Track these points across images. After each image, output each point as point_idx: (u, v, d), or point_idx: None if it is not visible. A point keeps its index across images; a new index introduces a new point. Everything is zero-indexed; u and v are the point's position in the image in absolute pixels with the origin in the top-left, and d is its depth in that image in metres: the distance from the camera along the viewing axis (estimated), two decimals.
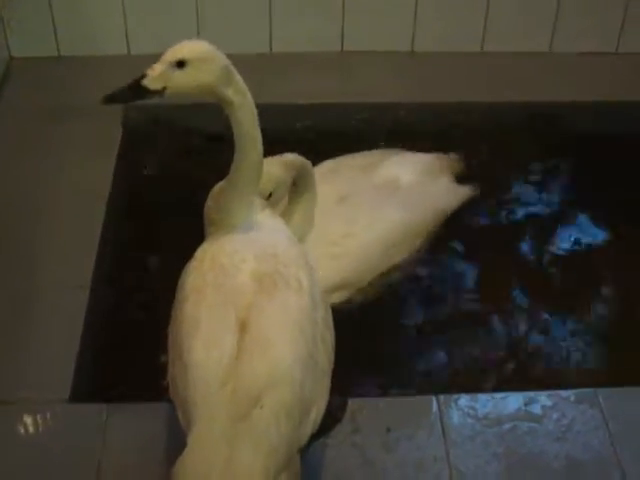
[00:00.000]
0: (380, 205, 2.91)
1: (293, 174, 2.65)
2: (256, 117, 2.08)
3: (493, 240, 3.13)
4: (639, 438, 2.40)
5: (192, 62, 1.98)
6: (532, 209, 3.27)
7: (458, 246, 3.09)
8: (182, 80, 2.00)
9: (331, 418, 2.40)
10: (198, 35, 3.68)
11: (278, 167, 2.62)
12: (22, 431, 2.42)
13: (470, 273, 3.02)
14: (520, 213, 3.25)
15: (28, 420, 2.44)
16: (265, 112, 3.28)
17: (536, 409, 2.46)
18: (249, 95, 2.07)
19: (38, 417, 2.45)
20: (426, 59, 3.75)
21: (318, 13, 3.69)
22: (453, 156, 3.23)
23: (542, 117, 3.58)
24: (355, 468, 2.33)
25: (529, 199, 3.31)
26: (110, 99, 2.03)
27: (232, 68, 2.04)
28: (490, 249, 3.09)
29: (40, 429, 2.43)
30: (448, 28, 3.73)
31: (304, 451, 2.04)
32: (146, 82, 1.99)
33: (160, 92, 2.01)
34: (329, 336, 2.12)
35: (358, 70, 3.71)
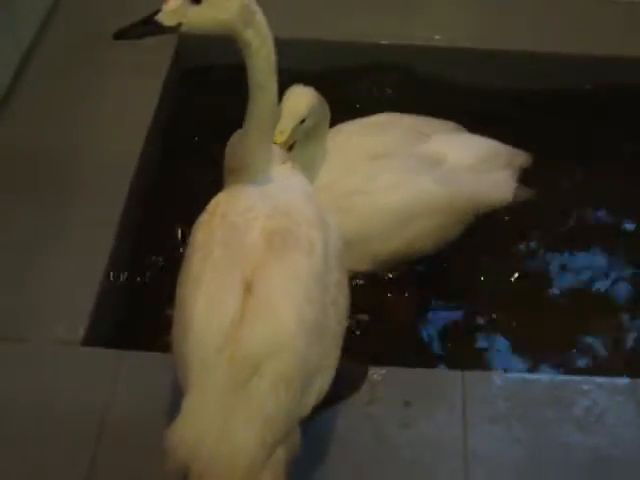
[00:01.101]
0: (413, 172, 2.65)
1: (324, 111, 2.54)
2: (274, 64, 1.95)
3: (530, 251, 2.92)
4: None
5: None
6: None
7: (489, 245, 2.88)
8: (198, 16, 1.88)
9: (349, 386, 2.31)
10: None
11: (313, 96, 2.51)
12: (32, 369, 2.37)
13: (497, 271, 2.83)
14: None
15: (39, 359, 2.40)
16: (321, 49, 3.29)
17: (566, 395, 2.31)
18: (270, 40, 1.93)
19: (49, 357, 2.41)
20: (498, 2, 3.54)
21: None
22: (521, 152, 2.87)
23: None
24: (366, 442, 2.23)
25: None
26: (121, 34, 1.90)
27: (254, 7, 1.90)
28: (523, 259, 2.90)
29: (50, 369, 2.38)
30: None
31: (314, 419, 1.94)
32: (160, 17, 1.87)
33: (175, 28, 1.89)
34: (342, 300, 2.01)
35: (423, 8, 3.52)
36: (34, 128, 3.02)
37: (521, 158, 2.85)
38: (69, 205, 2.77)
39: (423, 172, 2.65)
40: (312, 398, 1.88)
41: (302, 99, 2.49)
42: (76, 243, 2.67)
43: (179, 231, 2.48)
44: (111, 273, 2.63)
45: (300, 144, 2.58)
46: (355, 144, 2.68)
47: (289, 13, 3.41)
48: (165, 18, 1.87)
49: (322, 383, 1.90)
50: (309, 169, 2.54)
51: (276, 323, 1.83)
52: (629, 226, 3.03)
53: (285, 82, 3.02)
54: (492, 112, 3.20)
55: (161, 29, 1.89)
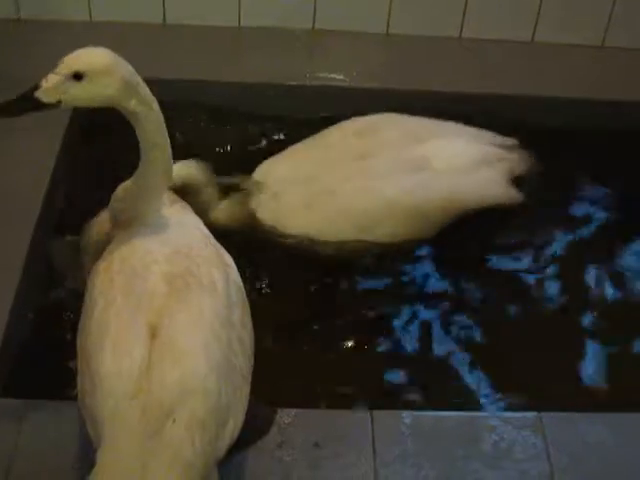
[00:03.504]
0: (391, 175, 2.73)
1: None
2: (163, 126, 1.99)
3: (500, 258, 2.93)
4: (582, 473, 2.25)
5: (89, 75, 1.87)
6: None
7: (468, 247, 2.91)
8: (79, 93, 1.89)
9: (256, 429, 2.28)
10: (164, 4, 3.54)
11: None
12: None
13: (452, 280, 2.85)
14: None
15: None
16: (226, 90, 3.29)
17: (474, 431, 2.32)
18: (155, 104, 1.96)
19: None
20: (401, 42, 3.58)
21: None
22: (521, 152, 2.98)
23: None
24: None
25: None
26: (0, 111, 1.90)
27: (135, 78, 1.93)
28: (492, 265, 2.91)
29: None
30: (426, 11, 3.56)
31: (223, 463, 1.92)
32: (39, 94, 1.87)
33: (55, 105, 1.89)
34: (247, 338, 2.02)
35: (328, 50, 3.55)
36: None
37: (521, 162, 2.93)
38: None
39: (402, 176, 2.72)
40: (227, 438, 1.88)
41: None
42: None
43: (84, 277, 2.43)
44: (15, 321, 2.56)
45: None
46: (346, 143, 2.79)
47: (199, 56, 3.45)
48: (44, 95, 1.87)
49: (235, 422, 1.90)
50: None
51: (185, 366, 1.82)
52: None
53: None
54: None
55: (40, 106, 1.88)
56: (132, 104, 1.92)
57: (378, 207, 2.70)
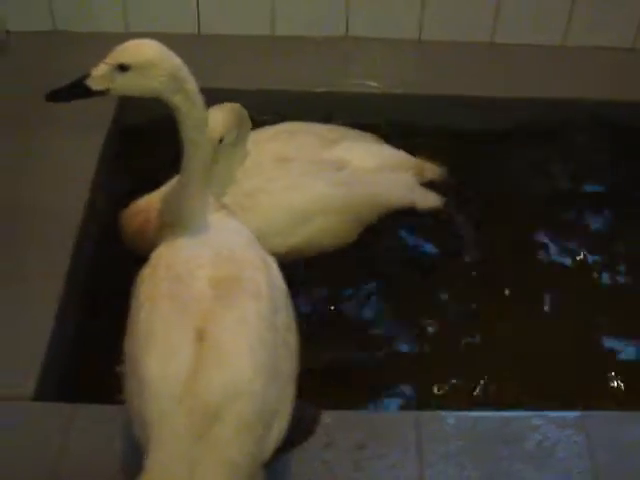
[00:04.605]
0: (312, 175, 2.77)
1: (238, 122, 2.64)
2: (206, 122, 2.01)
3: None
4: (626, 471, 2.26)
5: (135, 67, 1.91)
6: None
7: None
8: (125, 84, 1.94)
9: (303, 431, 2.30)
10: (198, 15, 3.58)
11: (227, 113, 2.60)
12: None
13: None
14: None
15: None
16: (261, 98, 3.32)
17: (517, 430, 2.33)
18: (200, 102, 1.98)
19: None
20: (433, 48, 3.61)
21: None
22: (434, 165, 3.01)
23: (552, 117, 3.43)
24: None
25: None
26: (53, 97, 1.98)
27: (183, 73, 1.95)
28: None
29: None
30: (458, 16, 3.58)
31: (270, 465, 1.94)
32: (89, 82, 1.94)
33: (104, 92, 1.95)
34: (292, 339, 2.04)
35: (361, 57, 3.58)
36: None
37: (432, 170, 2.97)
38: (16, 258, 2.75)
39: (322, 176, 2.77)
40: (273, 440, 1.89)
41: (217, 121, 2.57)
42: (24, 295, 2.63)
43: (128, 281, 2.47)
44: (60, 326, 2.60)
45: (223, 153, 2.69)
46: (263, 149, 2.79)
47: (233, 65, 3.51)
48: (93, 83, 1.93)
49: (281, 424, 1.92)
50: (231, 173, 2.70)
51: (232, 369, 1.84)
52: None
53: None
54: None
55: (89, 93, 1.95)
56: (177, 99, 1.95)
57: (311, 200, 2.74)
